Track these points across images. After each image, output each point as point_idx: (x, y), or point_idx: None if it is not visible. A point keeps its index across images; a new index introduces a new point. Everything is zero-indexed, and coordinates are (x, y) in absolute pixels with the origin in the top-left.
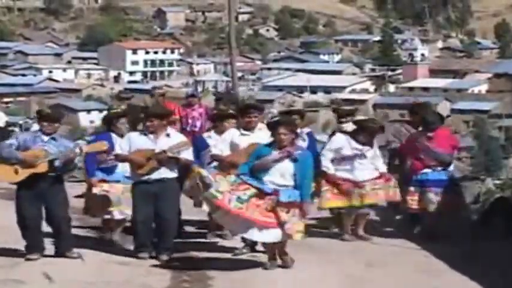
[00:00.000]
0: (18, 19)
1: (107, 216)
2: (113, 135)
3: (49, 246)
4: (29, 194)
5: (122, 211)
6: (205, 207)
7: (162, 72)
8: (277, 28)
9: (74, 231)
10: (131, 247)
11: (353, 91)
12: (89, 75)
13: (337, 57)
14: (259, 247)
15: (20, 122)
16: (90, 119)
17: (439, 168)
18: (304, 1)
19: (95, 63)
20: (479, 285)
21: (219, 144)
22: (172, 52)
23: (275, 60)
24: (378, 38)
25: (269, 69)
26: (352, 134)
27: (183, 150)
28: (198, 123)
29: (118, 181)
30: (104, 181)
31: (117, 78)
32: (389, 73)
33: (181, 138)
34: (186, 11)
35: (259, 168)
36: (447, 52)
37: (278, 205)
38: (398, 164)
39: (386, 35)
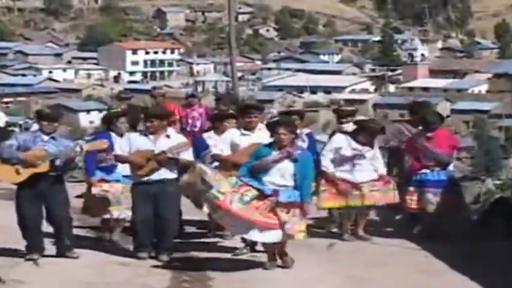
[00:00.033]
0: (18, 19)
1: (106, 216)
2: (113, 134)
3: (49, 246)
4: (30, 194)
5: (122, 211)
6: (205, 209)
7: (162, 72)
8: (277, 28)
9: (74, 231)
10: (131, 247)
11: (353, 91)
12: (88, 75)
13: (337, 58)
14: (259, 247)
15: (20, 122)
16: (90, 119)
17: (438, 169)
18: (304, 1)
19: (94, 64)
20: (479, 286)
21: (219, 144)
22: (172, 52)
23: (275, 61)
24: (378, 38)
25: (269, 69)
26: (353, 134)
27: (183, 151)
28: (198, 124)
29: (118, 180)
30: (104, 180)
31: (117, 79)
32: (389, 73)
33: (181, 139)
34: (186, 11)
35: (259, 169)
36: (447, 52)
37: (277, 205)
38: (397, 163)
39: (386, 35)
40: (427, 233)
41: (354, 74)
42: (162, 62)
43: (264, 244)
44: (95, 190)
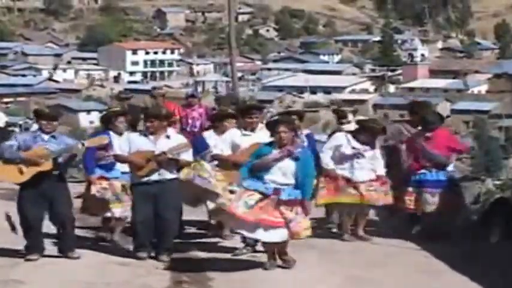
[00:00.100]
0: (18, 19)
1: (108, 214)
2: (112, 133)
3: (49, 246)
4: (33, 194)
5: (124, 208)
6: (205, 209)
7: (162, 72)
8: (277, 28)
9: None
10: (131, 247)
11: (353, 91)
12: (88, 76)
13: (337, 58)
14: (259, 247)
15: (20, 122)
16: (89, 120)
17: (435, 170)
18: (304, 1)
19: (94, 64)
20: (479, 286)
21: (219, 144)
22: (172, 52)
23: (275, 61)
24: (377, 39)
25: (269, 69)
26: (354, 134)
27: (183, 152)
28: (198, 124)
29: (117, 178)
30: (103, 178)
31: (117, 79)
32: (389, 73)
33: (181, 139)
34: (186, 11)
35: (260, 168)
36: (447, 52)
37: (279, 203)
38: (394, 163)
39: (386, 36)
40: (427, 233)
41: (354, 74)
42: (162, 62)
43: (263, 244)
44: (94, 189)
